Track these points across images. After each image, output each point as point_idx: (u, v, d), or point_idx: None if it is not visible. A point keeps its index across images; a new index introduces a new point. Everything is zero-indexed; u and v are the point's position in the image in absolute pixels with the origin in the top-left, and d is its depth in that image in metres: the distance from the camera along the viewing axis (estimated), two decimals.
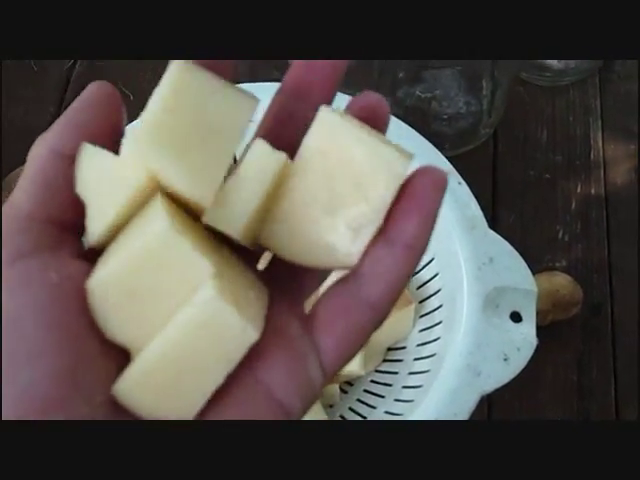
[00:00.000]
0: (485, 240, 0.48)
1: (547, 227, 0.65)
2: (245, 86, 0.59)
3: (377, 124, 0.24)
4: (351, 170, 0.23)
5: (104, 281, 0.22)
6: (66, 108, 0.24)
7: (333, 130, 0.23)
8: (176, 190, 0.22)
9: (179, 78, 0.23)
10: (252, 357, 0.22)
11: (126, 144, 0.22)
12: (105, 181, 0.22)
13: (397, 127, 0.52)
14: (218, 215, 0.23)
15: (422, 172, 0.23)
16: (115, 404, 0.21)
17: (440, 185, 0.23)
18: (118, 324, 0.22)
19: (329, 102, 0.25)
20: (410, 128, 0.52)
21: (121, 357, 0.22)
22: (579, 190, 0.66)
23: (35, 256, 0.22)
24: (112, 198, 0.22)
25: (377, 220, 0.23)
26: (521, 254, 0.48)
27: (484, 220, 0.49)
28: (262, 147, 0.23)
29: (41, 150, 0.23)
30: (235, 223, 0.23)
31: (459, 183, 0.50)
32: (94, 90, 0.23)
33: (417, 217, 0.22)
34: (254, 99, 0.24)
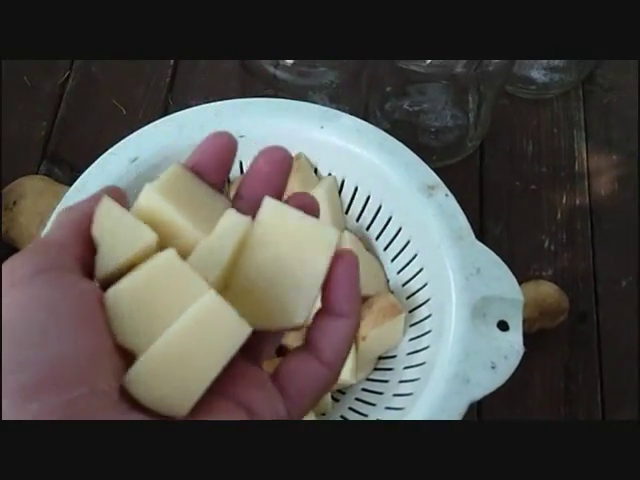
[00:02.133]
0: (472, 251, 0.49)
1: (533, 237, 0.66)
2: (236, 102, 0.60)
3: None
4: (295, 246, 0.27)
5: (121, 292, 0.25)
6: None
7: (277, 216, 0.28)
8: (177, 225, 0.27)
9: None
10: (233, 387, 0.26)
11: (143, 195, 0.28)
12: (120, 228, 0.27)
13: (385, 140, 0.53)
14: (197, 267, 0.26)
15: (340, 256, 0.28)
16: (121, 396, 0.24)
17: (355, 265, 0.28)
18: (128, 330, 0.25)
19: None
20: (398, 141, 0.53)
21: (128, 359, 0.25)
22: (564, 200, 0.68)
23: (60, 269, 0.25)
24: (126, 244, 0.26)
25: (318, 283, 0.27)
26: (508, 264, 0.48)
27: (471, 231, 0.50)
28: (231, 214, 0.28)
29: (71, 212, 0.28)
30: (210, 274, 0.26)
31: (446, 195, 0.51)
32: (108, 190, 0.28)
33: (348, 290, 0.28)
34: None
